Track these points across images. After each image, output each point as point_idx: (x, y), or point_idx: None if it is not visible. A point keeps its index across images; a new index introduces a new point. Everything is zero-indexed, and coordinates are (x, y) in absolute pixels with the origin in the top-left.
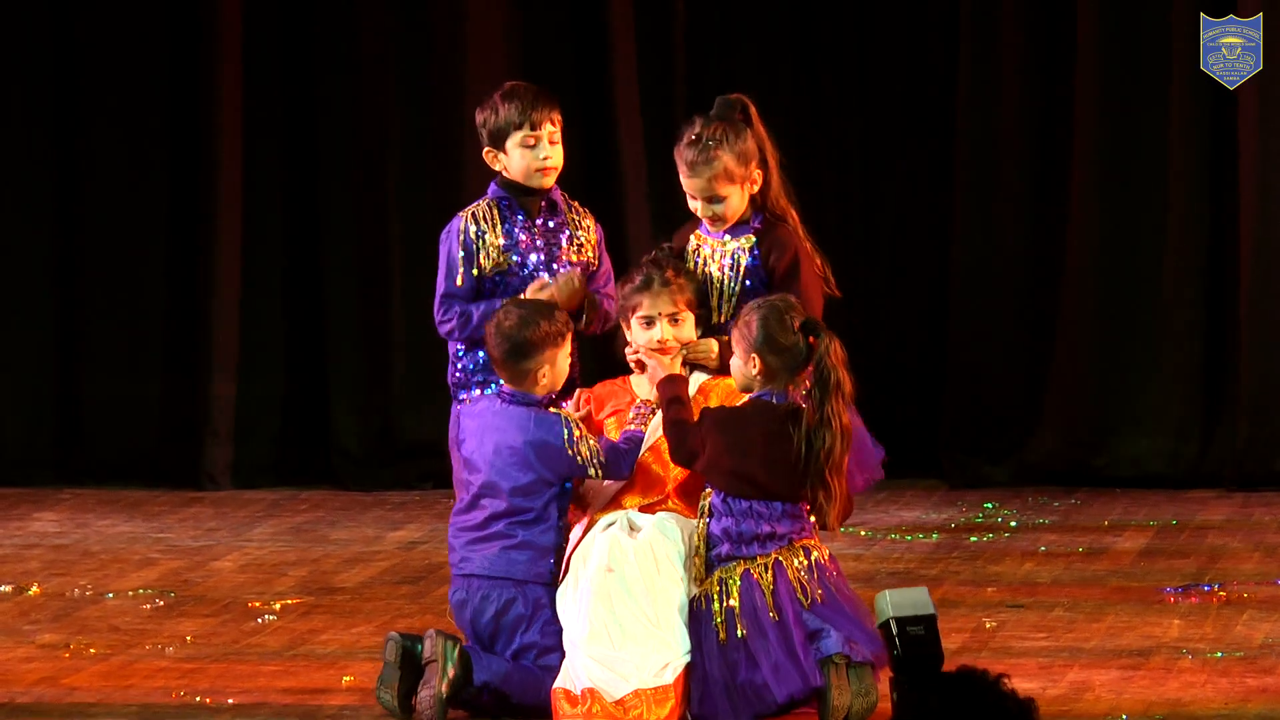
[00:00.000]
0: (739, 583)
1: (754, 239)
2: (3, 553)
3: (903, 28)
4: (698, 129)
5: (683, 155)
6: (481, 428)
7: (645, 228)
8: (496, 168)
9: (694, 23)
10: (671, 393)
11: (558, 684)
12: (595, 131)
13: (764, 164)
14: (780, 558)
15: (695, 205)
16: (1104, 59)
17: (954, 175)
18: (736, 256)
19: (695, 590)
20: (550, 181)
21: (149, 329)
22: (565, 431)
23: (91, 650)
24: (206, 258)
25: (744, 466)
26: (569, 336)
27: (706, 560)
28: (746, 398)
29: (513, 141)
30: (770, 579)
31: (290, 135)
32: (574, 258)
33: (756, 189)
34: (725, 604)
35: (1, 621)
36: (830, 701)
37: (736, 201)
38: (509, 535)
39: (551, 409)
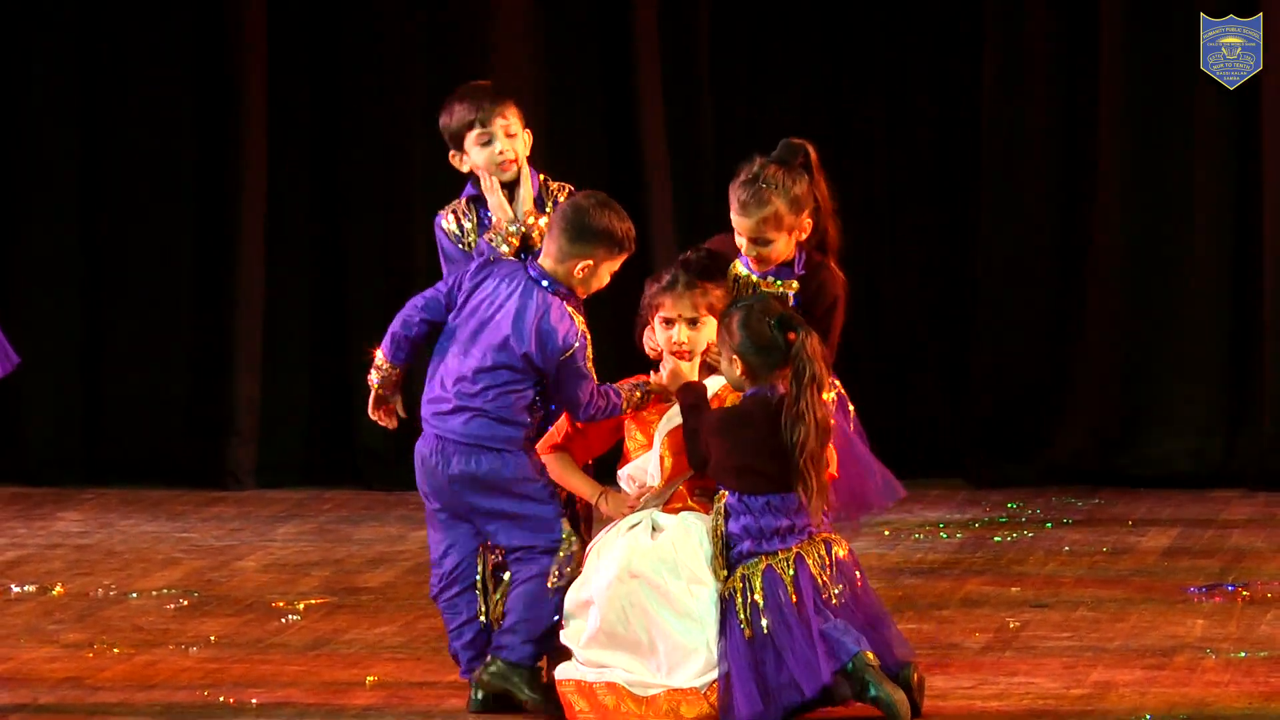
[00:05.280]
0: (762, 578)
1: (797, 285)
2: (27, 552)
3: (929, 29)
4: (755, 169)
5: (736, 193)
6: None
7: (669, 232)
8: (464, 169)
9: (718, 20)
10: (690, 399)
11: (565, 674)
12: (619, 133)
13: (816, 210)
14: (801, 551)
15: (741, 242)
16: (1128, 59)
17: (979, 173)
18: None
19: (721, 589)
20: (512, 174)
21: (174, 328)
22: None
23: (115, 650)
24: (231, 257)
25: (751, 461)
26: (619, 259)
27: (728, 560)
28: (743, 396)
29: (469, 141)
30: (792, 573)
31: (315, 135)
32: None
33: (805, 237)
34: (750, 599)
35: (25, 621)
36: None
37: (783, 246)
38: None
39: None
